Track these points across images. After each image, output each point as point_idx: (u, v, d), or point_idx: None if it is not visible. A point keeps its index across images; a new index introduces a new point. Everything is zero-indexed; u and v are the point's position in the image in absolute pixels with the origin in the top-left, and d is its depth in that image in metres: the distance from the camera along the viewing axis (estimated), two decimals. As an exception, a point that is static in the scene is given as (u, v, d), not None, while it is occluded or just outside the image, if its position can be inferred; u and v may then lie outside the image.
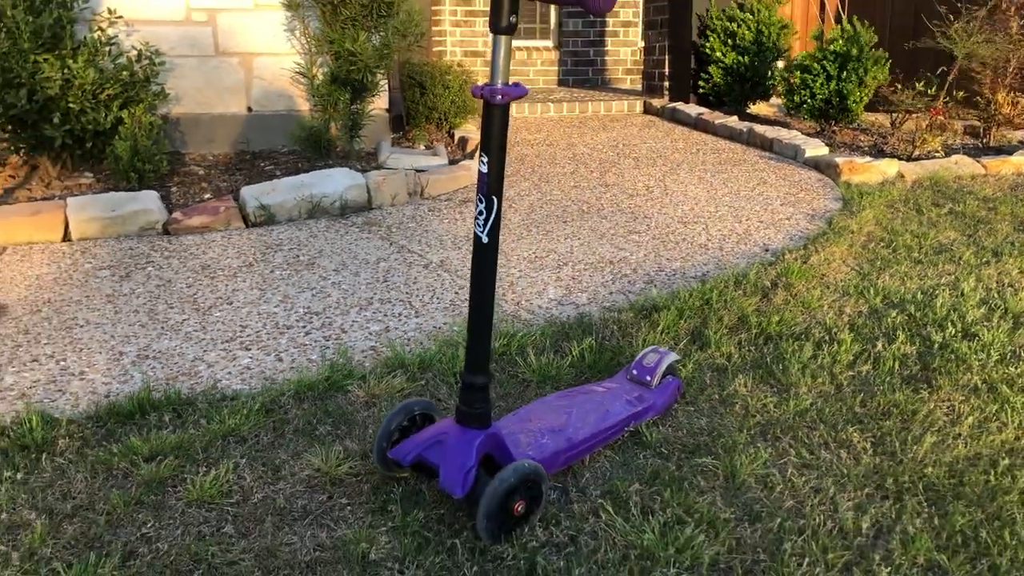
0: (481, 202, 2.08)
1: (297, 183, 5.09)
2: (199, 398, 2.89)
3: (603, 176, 6.09)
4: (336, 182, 5.12)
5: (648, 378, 2.78)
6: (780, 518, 2.23)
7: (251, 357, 3.24)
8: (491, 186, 2.06)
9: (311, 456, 2.50)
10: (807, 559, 2.08)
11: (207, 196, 5.26)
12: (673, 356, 2.85)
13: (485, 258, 2.13)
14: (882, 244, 4.49)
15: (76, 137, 5.29)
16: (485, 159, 2.05)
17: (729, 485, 2.39)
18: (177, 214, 4.80)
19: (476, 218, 2.10)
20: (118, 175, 5.24)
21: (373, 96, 6.05)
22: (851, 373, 3.04)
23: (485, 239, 2.10)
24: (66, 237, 4.63)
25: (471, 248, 4.44)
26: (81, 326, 3.50)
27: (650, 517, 2.23)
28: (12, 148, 5.39)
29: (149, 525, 2.21)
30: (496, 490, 2.08)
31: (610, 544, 2.14)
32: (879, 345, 3.25)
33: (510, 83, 2.02)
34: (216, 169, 5.94)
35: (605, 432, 2.54)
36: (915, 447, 2.56)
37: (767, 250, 4.42)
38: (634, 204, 5.31)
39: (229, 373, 3.11)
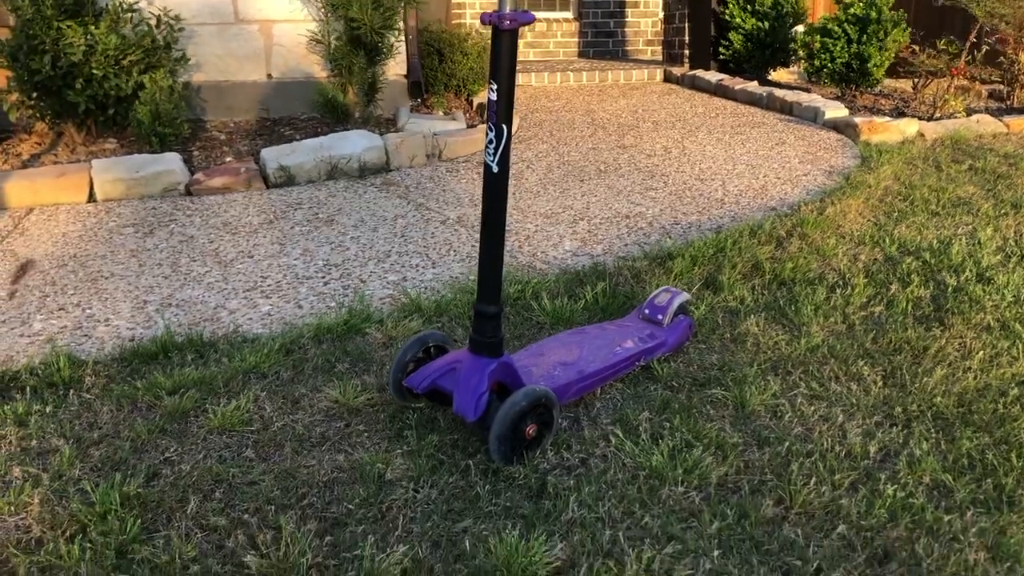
0: (491, 130, 2.12)
1: (316, 145, 5.15)
2: (220, 340, 2.96)
3: (621, 139, 6.10)
4: (354, 144, 5.17)
5: (660, 316, 2.82)
6: (788, 443, 2.27)
7: (271, 304, 3.30)
8: (500, 114, 2.10)
9: (329, 389, 2.56)
10: (814, 479, 2.11)
11: (228, 159, 5.32)
12: (685, 296, 2.88)
13: (496, 187, 2.16)
14: (899, 198, 4.49)
15: (99, 103, 5.38)
16: (494, 86, 2.08)
17: (738, 414, 2.43)
18: (199, 175, 4.87)
19: (486, 147, 2.14)
20: (140, 139, 5.32)
21: (388, 59, 6.08)
22: (864, 314, 3.06)
23: (495, 168, 2.14)
24: (91, 198, 4.71)
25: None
26: (106, 278, 3.58)
27: (659, 442, 2.27)
28: (38, 115, 5.48)
29: (172, 450, 2.28)
30: (507, 413, 2.13)
31: (620, 466, 2.18)
32: (893, 288, 3.26)
33: (517, 9, 2.05)
34: (237, 135, 6.01)
35: (616, 366, 2.58)
36: (925, 379, 2.59)
37: (783, 203, 4.42)
38: (651, 163, 5.33)
39: (250, 319, 3.18)
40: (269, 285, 3.49)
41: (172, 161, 4.90)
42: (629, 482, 2.12)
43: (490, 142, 2.12)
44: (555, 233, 4.04)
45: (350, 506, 2.04)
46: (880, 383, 2.58)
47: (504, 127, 2.11)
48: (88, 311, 3.25)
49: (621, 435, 2.29)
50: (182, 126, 5.43)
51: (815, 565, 1.85)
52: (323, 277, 3.56)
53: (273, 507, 2.04)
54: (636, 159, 5.45)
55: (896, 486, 2.08)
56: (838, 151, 5.62)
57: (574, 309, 3.08)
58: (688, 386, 2.58)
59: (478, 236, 4.00)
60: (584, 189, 4.77)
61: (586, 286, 3.28)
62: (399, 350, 2.45)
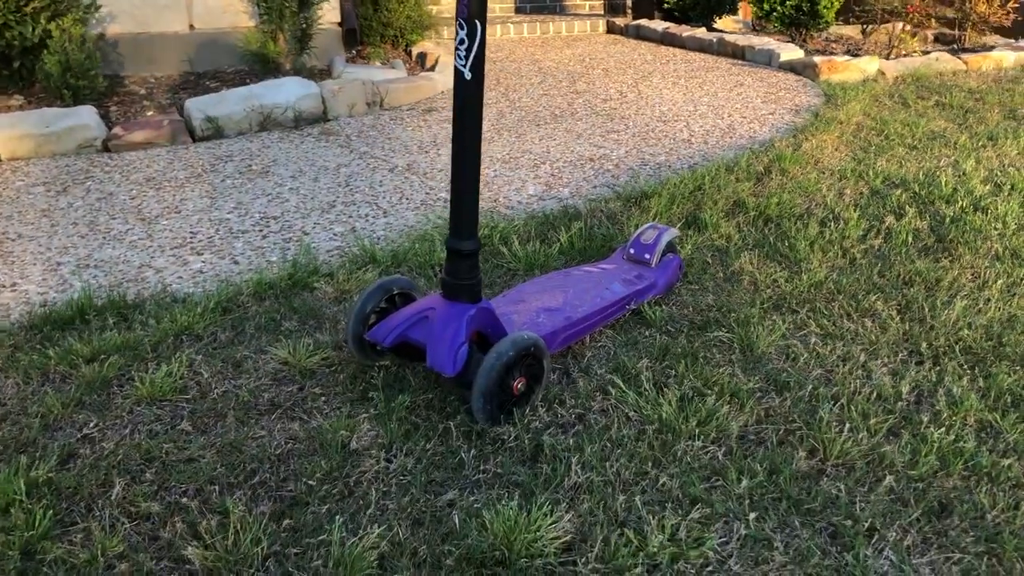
0: (462, 28, 1.77)
1: (246, 94, 4.72)
2: (147, 301, 2.57)
3: (573, 85, 5.78)
4: (288, 92, 4.76)
5: (647, 256, 2.52)
6: (810, 387, 1.99)
7: (204, 261, 2.92)
8: (473, 7, 1.76)
9: (277, 350, 2.20)
10: (847, 425, 1.84)
11: (149, 113, 4.86)
12: (673, 232, 2.58)
13: (470, 97, 1.83)
14: (873, 132, 4.26)
15: (2, 55, 4.85)
16: (466, -27, 1.74)
17: (747, 357, 2.14)
18: (117, 129, 4.41)
19: (456, 48, 1.80)
20: (50, 93, 4.82)
21: (322, 2, 5.64)
22: (863, 247, 2.80)
23: (468, 74, 1.80)
24: (-5, 158, 4.23)
25: (440, 150, 4.16)
26: (12, 240, 3.15)
27: (665, 391, 1.97)
28: (-69, 70, 4.93)
29: (92, 425, 1.91)
30: (493, 365, 1.81)
31: (623, 420, 1.88)
32: (888, 221, 3.02)
33: None
34: (158, 89, 5.52)
35: (604, 311, 2.27)
36: (945, 312, 2.34)
37: (754, 141, 4.16)
38: (609, 107, 5.02)
39: (180, 278, 2.79)
40: (200, 241, 3.10)
41: (87, 115, 4.42)
42: (637, 438, 1.82)
43: (461, 42, 1.78)
44: (516, 177, 3.71)
45: (311, 482, 1.71)
46: (897, 318, 2.32)
47: (477, 24, 1.77)
48: (-9, 276, 2.83)
49: (622, 385, 1.98)
50: (96, 78, 4.93)
51: (867, 524, 1.57)
52: (260, 231, 3.19)
53: (217, 487, 1.69)
54: (592, 103, 5.13)
55: (941, 429, 1.82)
56: (800, 91, 5.37)
57: (548, 254, 2.77)
58: (687, 330, 2.29)
59: (432, 183, 3.66)
60: (541, 133, 4.44)
61: (559, 229, 2.97)
62: (358, 300, 2.10)
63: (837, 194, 3.32)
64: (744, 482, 1.67)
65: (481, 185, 3.58)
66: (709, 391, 1.97)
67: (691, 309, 2.40)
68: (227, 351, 2.23)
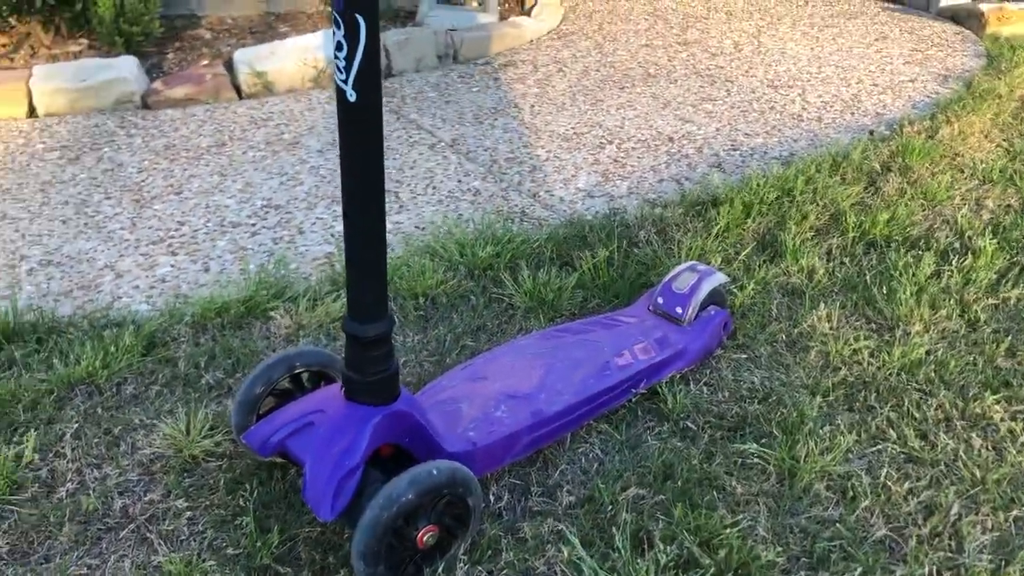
0: (339, 26, 1.19)
1: (302, 45, 4.23)
2: (81, 322, 2.14)
3: (683, 33, 5.00)
4: (346, 43, 4.23)
5: (679, 310, 1.88)
6: (861, 567, 1.34)
7: (172, 265, 2.47)
8: (350, -3, 1.16)
9: (167, 422, 1.72)
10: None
11: (205, 63, 4.46)
12: (720, 277, 1.93)
13: (357, 128, 1.24)
14: (1041, 112, 3.37)
15: (60, -5, 4.53)
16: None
17: (782, 492, 1.50)
18: (158, 84, 4.02)
19: (335, 56, 1.21)
20: (103, 39, 4.48)
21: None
22: (992, 301, 2.06)
23: (352, 94, 1.21)
24: (32, 112, 3.92)
25: (496, 119, 3.57)
26: (-10, 222, 2.80)
27: (646, 552, 1.37)
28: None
29: None
30: (377, 519, 1.26)
31: (568, 604, 1.31)
32: (1037, 257, 2.25)
33: None
34: (228, 33, 5.11)
35: (599, 397, 1.67)
36: (1097, 433, 1.61)
37: (880, 120, 3.34)
38: (715, 65, 4.25)
39: (136, 287, 2.36)
40: (183, 235, 2.66)
41: (126, 67, 4.05)
42: (577, 643, 1.24)
43: (338, 47, 1.20)
44: (570, 162, 3.08)
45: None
46: (1022, 436, 1.62)
47: (361, 20, 1.17)
48: (-60, 271, 2.48)
49: (578, 545, 1.39)
50: (152, 23, 4.55)
51: None
52: (254, 224, 2.72)
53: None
54: (696, 59, 4.37)
55: None
56: (956, 48, 4.42)
57: (562, 287, 2.16)
58: (709, 432, 1.66)
59: (470, 165, 3.08)
60: (622, 100, 3.76)
61: (589, 248, 2.34)
62: (246, 378, 1.57)
63: (973, 208, 2.54)
64: None
65: (525, 173, 2.98)
66: (708, 559, 1.35)
67: (727, 394, 1.76)
68: (116, 417, 1.76)
